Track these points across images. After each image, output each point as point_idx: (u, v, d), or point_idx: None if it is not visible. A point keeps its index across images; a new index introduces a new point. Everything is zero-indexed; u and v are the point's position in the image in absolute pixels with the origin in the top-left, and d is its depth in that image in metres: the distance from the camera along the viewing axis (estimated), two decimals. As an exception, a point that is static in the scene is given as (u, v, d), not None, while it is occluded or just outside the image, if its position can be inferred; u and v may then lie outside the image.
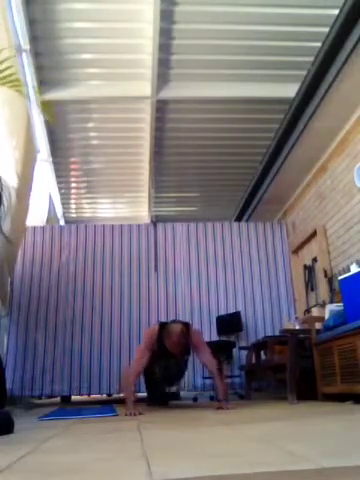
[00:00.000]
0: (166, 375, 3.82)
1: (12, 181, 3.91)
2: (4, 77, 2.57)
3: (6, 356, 5.34)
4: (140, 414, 3.06)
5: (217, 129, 5.27)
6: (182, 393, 5.45)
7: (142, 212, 7.49)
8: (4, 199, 2.51)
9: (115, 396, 6.80)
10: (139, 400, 4.08)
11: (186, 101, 4.77)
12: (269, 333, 5.41)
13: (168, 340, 3.45)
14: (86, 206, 7.42)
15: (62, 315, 5.59)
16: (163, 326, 3.61)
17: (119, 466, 1.23)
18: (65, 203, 7.18)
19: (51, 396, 5.91)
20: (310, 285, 5.61)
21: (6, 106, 3.71)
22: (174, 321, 3.85)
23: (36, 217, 6.06)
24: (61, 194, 6.82)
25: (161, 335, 3.53)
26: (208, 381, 5.15)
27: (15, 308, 5.60)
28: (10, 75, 2.61)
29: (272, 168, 5.53)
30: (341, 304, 3.57)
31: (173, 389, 3.92)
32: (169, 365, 3.68)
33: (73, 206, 7.37)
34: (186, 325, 3.59)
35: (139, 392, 4.70)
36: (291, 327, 4.52)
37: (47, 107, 3.48)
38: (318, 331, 3.76)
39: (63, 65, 4.27)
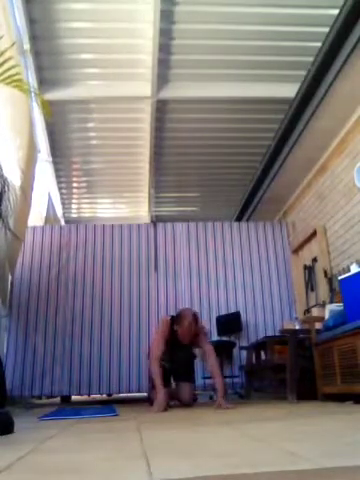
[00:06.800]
0: (175, 367, 3.93)
1: (16, 179, 3.92)
2: (8, 77, 2.56)
3: (6, 356, 5.34)
4: (165, 410, 3.24)
5: (217, 129, 5.27)
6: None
7: (142, 212, 7.49)
8: (10, 197, 2.52)
9: (115, 396, 6.81)
10: (139, 400, 4.08)
11: (186, 101, 4.77)
12: (269, 333, 5.41)
13: (180, 325, 3.60)
14: (86, 206, 7.42)
15: (62, 315, 5.59)
16: (174, 318, 3.78)
17: (119, 466, 1.23)
18: (65, 203, 7.18)
19: (51, 396, 5.91)
20: (310, 285, 5.61)
21: (10, 105, 3.71)
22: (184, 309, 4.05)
23: (35, 217, 6.06)
24: (61, 194, 6.83)
25: (171, 326, 3.69)
26: (208, 381, 5.14)
27: (15, 308, 5.60)
28: (14, 75, 2.59)
29: (272, 168, 5.54)
30: (341, 304, 3.57)
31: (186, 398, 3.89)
32: (177, 358, 3.84)
33: (73, 206, 7.38)
34: (195, 313, 3.78)
35: (138, 392, 4.71)
36: (291, 327, 4.52)
37: (44, 103, 3.49)
38: (318, 331, 3.77)
39: (63, 65, 4.28)
